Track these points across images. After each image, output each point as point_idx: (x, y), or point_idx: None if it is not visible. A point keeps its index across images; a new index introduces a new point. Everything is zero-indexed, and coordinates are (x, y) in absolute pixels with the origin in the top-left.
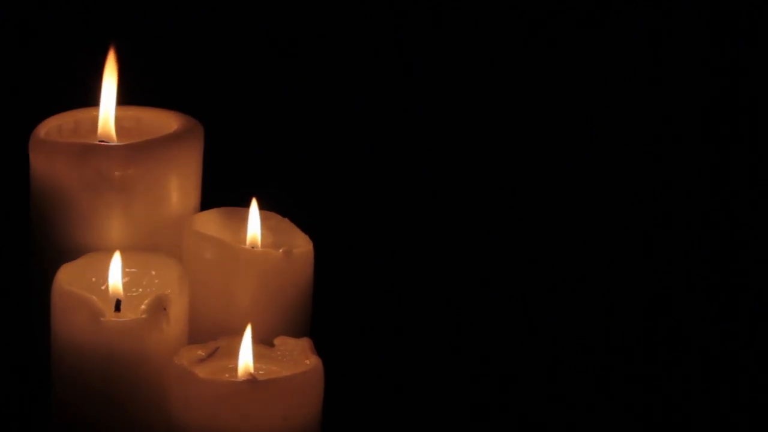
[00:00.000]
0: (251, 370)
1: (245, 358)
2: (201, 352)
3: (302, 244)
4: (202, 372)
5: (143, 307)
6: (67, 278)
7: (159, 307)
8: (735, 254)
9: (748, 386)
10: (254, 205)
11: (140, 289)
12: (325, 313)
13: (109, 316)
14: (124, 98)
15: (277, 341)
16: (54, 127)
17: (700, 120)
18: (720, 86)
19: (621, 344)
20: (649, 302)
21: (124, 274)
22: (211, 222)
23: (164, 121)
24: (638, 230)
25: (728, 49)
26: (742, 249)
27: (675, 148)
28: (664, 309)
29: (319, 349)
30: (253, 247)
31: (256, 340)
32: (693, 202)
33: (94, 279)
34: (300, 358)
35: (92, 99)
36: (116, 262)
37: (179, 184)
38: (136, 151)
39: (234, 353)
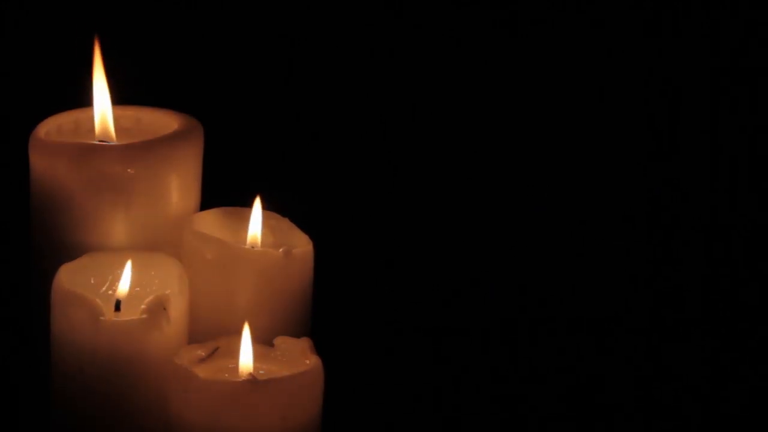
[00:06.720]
0: (251, 369)
1: (245, 359)
2: (201, 352)
3: (302, 244)
4: (202, 372)
5: (143, 307)
6: (67, 278)
7: (159, 307)
8: (735, 254)
9: (748, 386)
10: (257, 204)
11: (140, 289)
12: (325, 313)
13: (109, 316)
14: (124, 98)
15: (277, 341)
16: (54, 127)
17: (701, 119)
18: (720, 86)
19: (621, 344)
20: (649, 302)
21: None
22: (211, 222)
23: (164, 121)
24: (638, 230)
25: (728, 49)
26: (742, 249)
27: (675, 148)
28: (664, 308)
29: (319, 349)
30: (253, 247)
31: (256, 340)
32: (693, 202)
33: (93, 279)
34: (300, 358)
35: (92, 99)
36: (127, 270)
37: (179, 184)
38: (136, 151)
39: (234, 353)
